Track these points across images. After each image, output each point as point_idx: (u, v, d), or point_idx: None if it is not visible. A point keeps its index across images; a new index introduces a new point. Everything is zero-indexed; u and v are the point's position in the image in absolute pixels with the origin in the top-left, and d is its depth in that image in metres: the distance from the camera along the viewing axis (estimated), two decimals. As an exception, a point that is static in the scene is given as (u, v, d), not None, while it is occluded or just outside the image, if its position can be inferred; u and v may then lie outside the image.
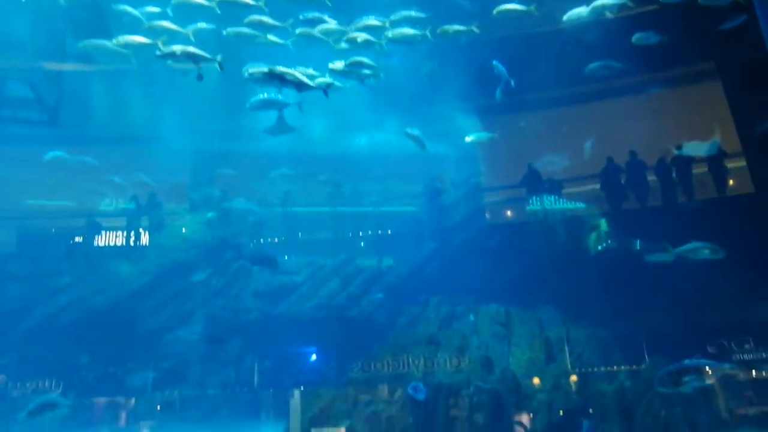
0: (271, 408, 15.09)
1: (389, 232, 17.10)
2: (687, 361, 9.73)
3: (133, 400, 15.75)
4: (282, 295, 15.90)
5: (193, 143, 17.12)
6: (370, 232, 17.58)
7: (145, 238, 16.92)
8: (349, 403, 11.90)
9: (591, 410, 11.10)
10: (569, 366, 12.08)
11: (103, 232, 17.00)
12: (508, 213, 16.36)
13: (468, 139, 14.22)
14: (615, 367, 11.98)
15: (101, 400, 15.55)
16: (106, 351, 15.11)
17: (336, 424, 11.54)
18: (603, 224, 14.32)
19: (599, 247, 14.21)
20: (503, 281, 13.44)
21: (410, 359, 12.33)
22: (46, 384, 14.65)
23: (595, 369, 12.00)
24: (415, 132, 12.95)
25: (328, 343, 15.20)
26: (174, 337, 15.53)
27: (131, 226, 16.63)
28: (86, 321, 14.96)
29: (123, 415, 15.84)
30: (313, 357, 15.39)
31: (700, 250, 10.89)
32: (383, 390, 12.07)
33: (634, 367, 11.75)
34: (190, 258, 16.32)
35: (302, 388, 12.42)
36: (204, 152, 17.90)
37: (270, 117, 14.89)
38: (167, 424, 15.70)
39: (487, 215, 16.23)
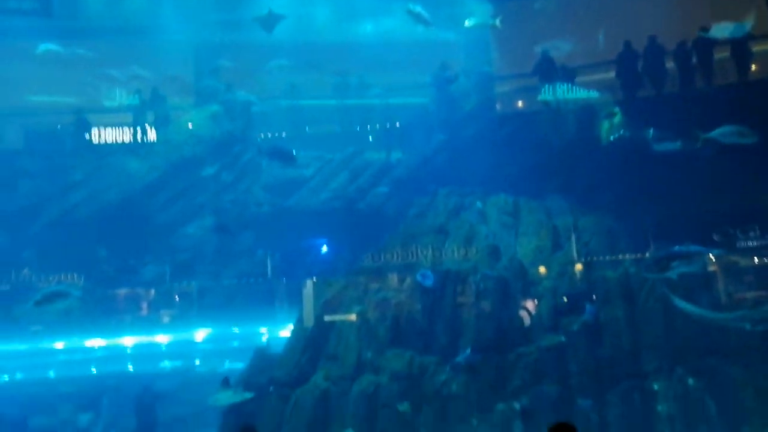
0: (285, 296, 15.66)
1: (397, 124, 16.88)
2: (676, 248, 9.81)
3: (152, 291, 16.38)
4: (292, 189, 16.01)
5: (191, 34, 16.55)
6: (378, 125, 17.37)
7: (151, 134, 16.84)
8: (360, 290, 12.26)
9: (594, 297, 11.38)
10: (575, 254, 12.27)
11: (109, 128, 16.90)
12: (519, 103, 16.01)
13: (467, 23, 13.42)
14: (620, 256, 12.16)
15: (122, 292, 16.17)
16: (122, 245, 15.48)
17: (347, 310, 11.96)
18: (616, 113, 14.00)
19: (611, 137, 13.98)
20: (513, 171, 13.40)
21: (419, 249, 12.54)
22: (69, 277, 15.16)
23: (601, 257, 12.20)
24: (418, 9, 12.32)
25: (339, 234, 15.47)
26: (186, 231, 15.85)
27: (137, 122, 16.50)
28: (101, 216, 15.21)
29: (144, 306, 16.54)
30: (324, 248, 15.71)
31: (731, 134, 10.52)
32: (393, 278, 12.40)
33: (639, 255, 11.92)
34: (197, 153, 16.31)
35: (314, 279, 12.76)
36: (204, 44, 17.35)
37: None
38: (186, 313, 16.40)
39: (498, 105, 15.90)
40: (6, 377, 16.16)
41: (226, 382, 10.62)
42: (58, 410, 15.02)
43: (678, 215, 11.93)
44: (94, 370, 16.31)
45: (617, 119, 14.06)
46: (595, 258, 12.17)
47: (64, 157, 16.21)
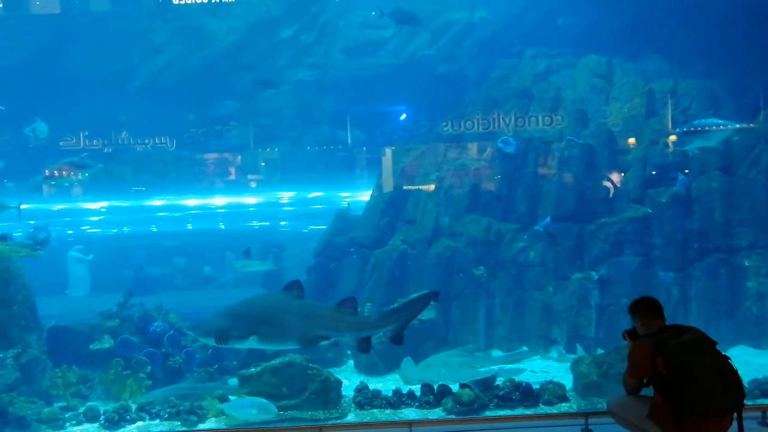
0: (364, 163, 15.82)
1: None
2: None
3: (238, 156, 16.99)
4: (370, 51, 15.52)
5: None
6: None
7: (228, -8, 16.47)
8: (439, 157, 12.13)
9: (687, 170, 10.70)
10: (671, 121, 11.40)
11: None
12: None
13: None
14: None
15: (211, 156, 16.86)
16: (208, 109, 15.87)
17: (425, 177, 11.94)
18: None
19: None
20: (607, 29, 12.22)
21: (501, 114, 12.05)
22: (162, 140, 15.89)
23: (700, 127, 11.27)
24: None
25: (417, 100, 15.09)
26: (269, 95, 15.94)
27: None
28: (186, 80, 15.46)
29: (231, 169, 17.27)
30: (403, 116, 15.46)
31: None
32: (473, 146, 12.12)
33: (745, 125, 10.91)
34: (274, 13, 15.92)
35: (393, 147, 12.69)
36: None
37: None
38: (270, 177, 17.01)
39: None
40: (114, 230, 17.78)
41: (247, 253, 11.30)
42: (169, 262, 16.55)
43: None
44: (189, 226, 17.59)
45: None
46: (693, 127, 11.27)
47: (147, 18, 16.29)
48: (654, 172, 10.93)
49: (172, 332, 8.74)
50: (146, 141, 15.74)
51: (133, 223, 17.86)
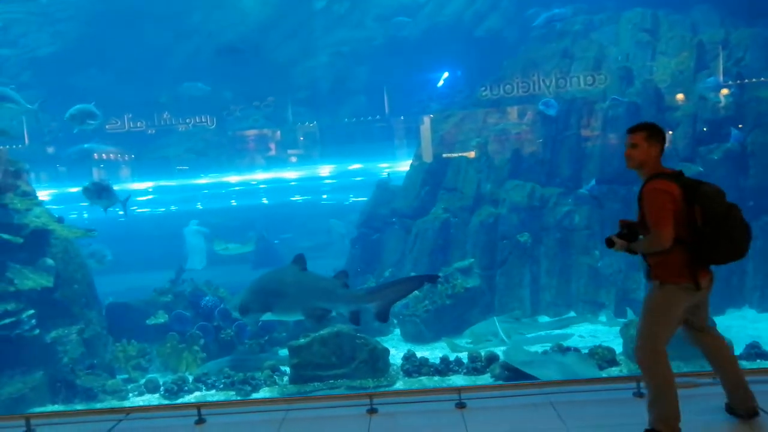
0: (403, 133, 15.71)
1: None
2: None
3: (278, 132, 17.10)
4: (406, 17, 15.27)
5: None
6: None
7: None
8: (479, 122, 11.94)
9: (741, 125, 10.22)
10: (723, 73, 10.88)
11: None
12: None
13: None
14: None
15: (251, 132, 17.03)
16: (244, 86, 15.96)
17: (465, 143, 11.79)
18: None
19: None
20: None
21: (541, 76, 11.73)
22: (202, 119, 16.11)
23: (755, 78, 10.73)
24: None
25: (455, 65, 14.82)
26: (303, 69, 15.92)
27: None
28: (222, 56, 15.53)
29: (272, 146, 17.42)
30: (441, 82, 15.23)
31: None
32: (513, 110, 11.87)
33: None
34: (307, -15, 15.79)
35: (432, 115, 12.54)
36: None
37: None
38: (310, 150, 17.08)
39: None
40: (162, 209, 18.24)
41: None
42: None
43: None
44: (233, 203, 17.88)
45: None
46: (747, 79, 10.74)
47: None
48: (705, 129, 10.49)
49: (222, 306, 8.98)
50: (187, 120, 16.00)
51: (180, 202, 18.26)
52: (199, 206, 18.14)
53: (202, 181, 17.24)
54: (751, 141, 10.08)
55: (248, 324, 8.17)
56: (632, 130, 4.18)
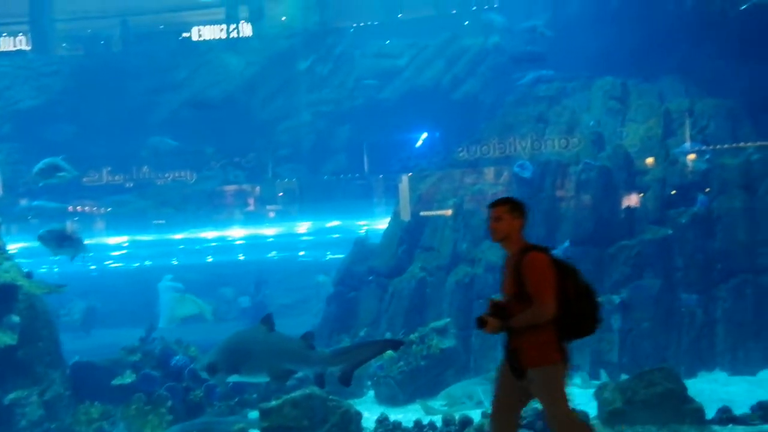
0: (381, 191, 15.91)
1: (495, 5, 15.79)
2: None
3: (257, 187, 17.20)
4: (385, 80, 15.74)
5: None
6: (474, 8, 16.36)
7: (246, 28, 16.92)
8: (455, 183, 12.13)
9: (708, 189, 10.55)
10: (689, 141, 11.30)
11: (207, 26, 17.15)
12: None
13: None
14: (743, 143, 11.05)
15: (230, 188, 17.10)
16: (227, 142, 16.15)
17: (442, 203, 11.93)
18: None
19: (740, 7, 12.24)
20: (622, 50, 12.21)
21: (517, 139, 12.06)
22: (181, 174, 16.19)
23: (719, 144, 11.15)
24: None
25: (433, 126, 15.20)
26: (286, 127, 16.21)
27: (231, 17, 16.59)
28: (205, 114, 15.78)
29: (250, 201, 17.48)
30: (419, 142, 15.57)
31: None
32: (489, 171, 12.11)
33: (765, 142, 10.78)
34: (292, 46, 16.28)
35: (410, 174, 12.74)
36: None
37: None
38: (288, 207, 17.15)
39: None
40: (136, 264, 18.00)
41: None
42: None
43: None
44: (209, 259, 17.72)
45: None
46: (712, 145, 11.16)
47: (168, 56, 16.75)
48: (674, 192, 10.79)
49: (192, 366, 8.78)
50: (166, 175, 16.06)
51: (155, 257, 18.07)
52: (175, 262, 17.97)
53: (178, 236, 17.15)
54: (717, 206, 10.37)
55: (216, 385, 7.96)
56: (494, 205, 4.21)
